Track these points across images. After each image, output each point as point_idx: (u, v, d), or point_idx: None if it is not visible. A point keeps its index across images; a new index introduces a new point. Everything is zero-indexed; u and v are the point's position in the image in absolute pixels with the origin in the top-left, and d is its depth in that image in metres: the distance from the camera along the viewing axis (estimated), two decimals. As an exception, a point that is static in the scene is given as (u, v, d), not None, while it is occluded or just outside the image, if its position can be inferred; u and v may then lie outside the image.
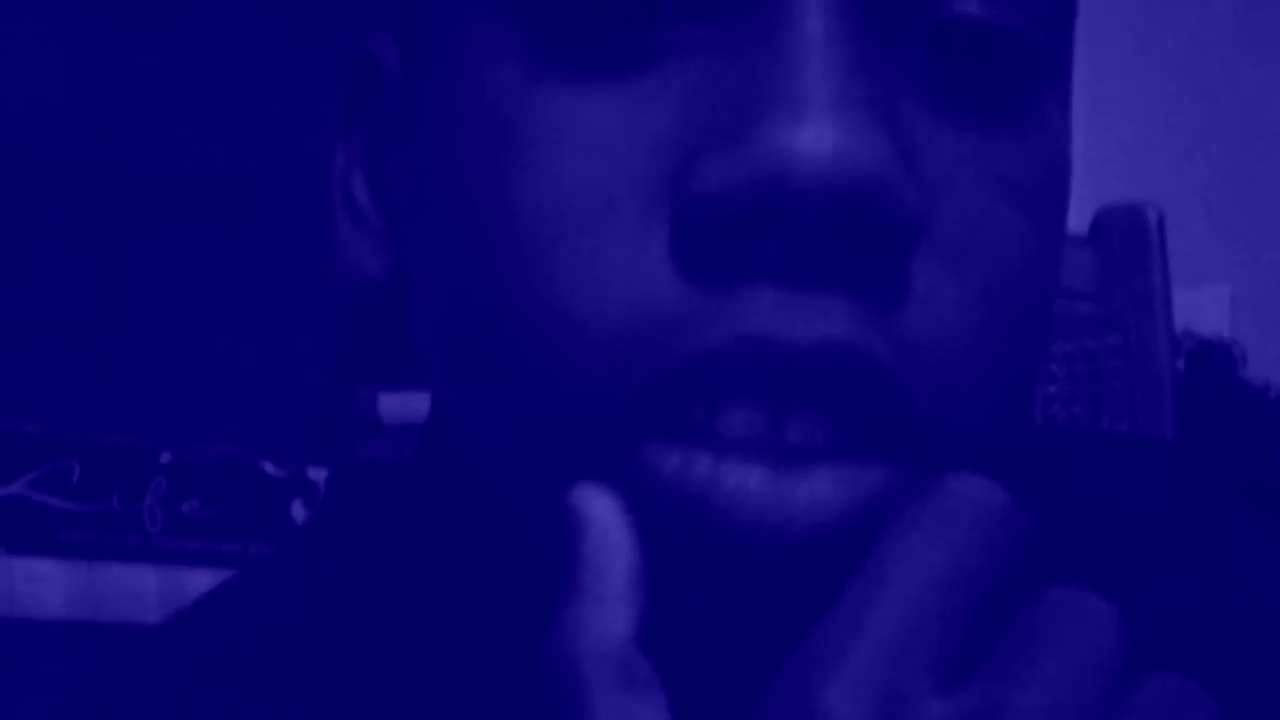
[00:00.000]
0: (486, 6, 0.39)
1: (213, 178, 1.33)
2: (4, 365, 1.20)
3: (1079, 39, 0.42)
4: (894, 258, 0.36)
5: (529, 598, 0.39)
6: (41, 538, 1.02)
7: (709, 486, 0.35)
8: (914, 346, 0.36)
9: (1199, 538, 0.52)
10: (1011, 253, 0.38)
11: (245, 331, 1.33)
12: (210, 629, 0.49)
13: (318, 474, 1.16)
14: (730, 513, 0.35)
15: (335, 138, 0.47)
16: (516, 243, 0.37)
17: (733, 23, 0.36)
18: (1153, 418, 1.11)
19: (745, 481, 0.35)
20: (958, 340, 0.37)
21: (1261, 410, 1.48)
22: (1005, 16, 0.37)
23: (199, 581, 1.05)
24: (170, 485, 1.08)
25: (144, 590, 1.04)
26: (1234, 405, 1.47)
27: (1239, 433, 1.44)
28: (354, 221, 0.46)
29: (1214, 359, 1.52)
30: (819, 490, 0.35)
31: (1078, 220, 0.91)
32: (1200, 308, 1.65)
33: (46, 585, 1.01)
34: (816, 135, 0.34)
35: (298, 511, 1.14)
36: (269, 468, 1.14)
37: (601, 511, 0.36)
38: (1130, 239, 1.15)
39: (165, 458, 1.09)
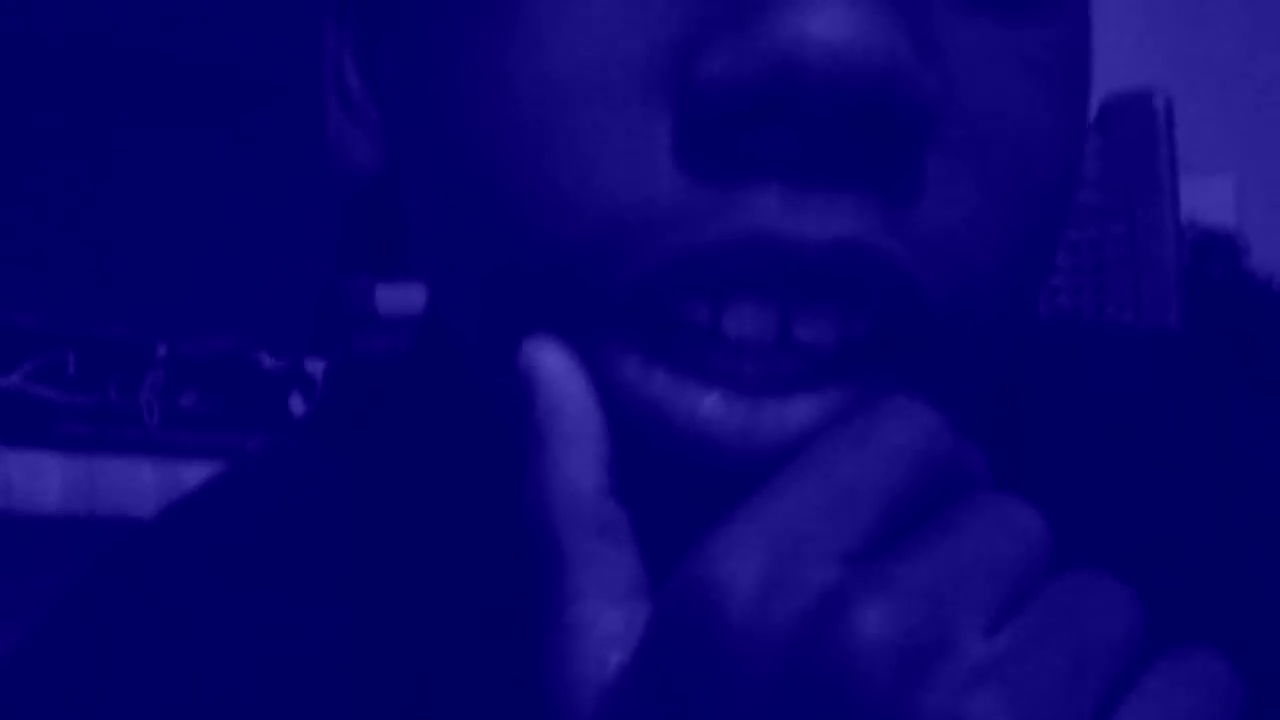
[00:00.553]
0: None
1: (206, 67, 1.32)
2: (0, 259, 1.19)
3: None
4: (909, 150, 0.35)
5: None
6: (38, 430, 1.02)
7: (665, 403, 0.35)
8: (929, 242, 0.35)
9: (1209, 427, 0.52)
10: (1033, 143, 0.37)
11: (241, 223, 1.32)
12: (203, 522, 0.49)
13: (315, 366, 1.16)
14: (687, 429, 0.35)
15: (326, 25, 0.46)
16: (510, 122, 0.36)
17: None
18: (1158, 308, 1.11)
19: (700, 405, 0.35)
20: (975, 234, 0.36)
21: (1266, 302, 1.48)
22: None
23: (196, 474, 1.05)
24: (168, 378, 1.08)
25: (141, 483, 1.04)
26: (1238, 297, 1.46)
27: (1243, 324, 1.43)
28: (347, 111, 0.45)
29: (1218, 250, 1.51)
30: (788, 417, 0.35)
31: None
32: (1206, 197, 1.64)
33: (43, 478, 1.00)
34: (829, 22, 0.33)
35: (295, 404, 1.14)
36: (266, 360, 1.14)
37: (553, 364, 0.36)
38: (1137, 126, 1.14)
39: (162, 350, 1.08)
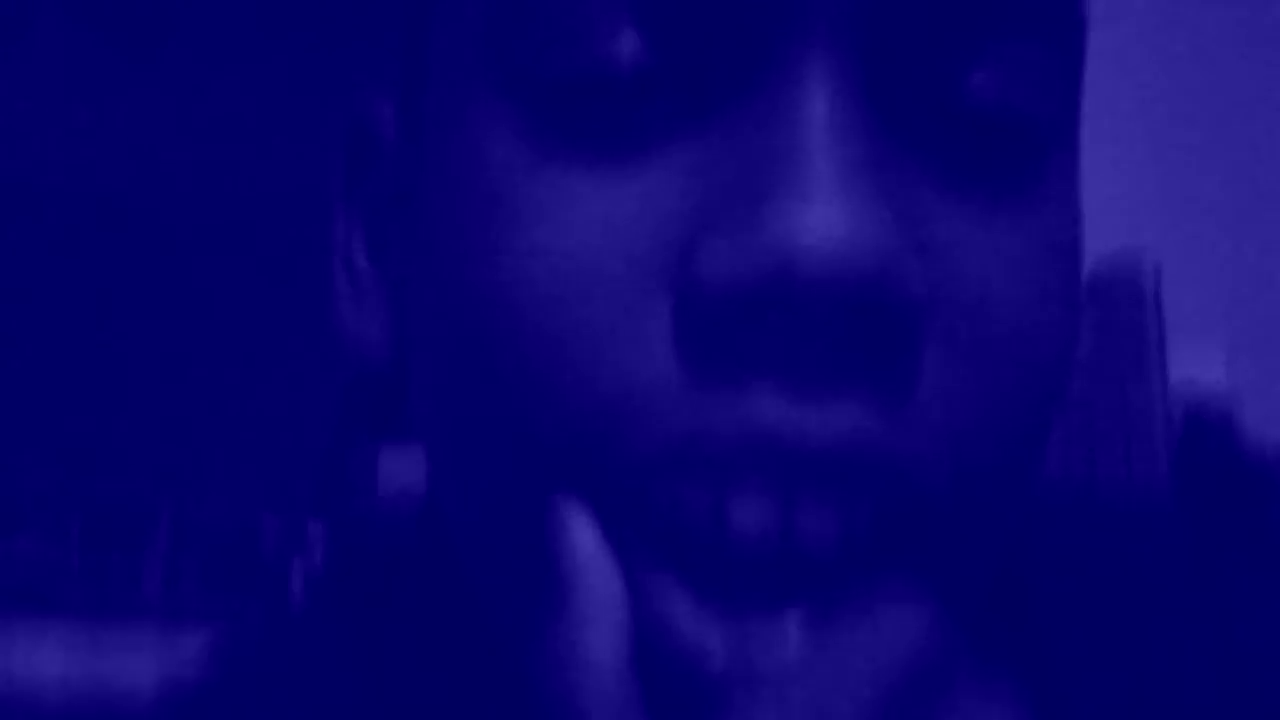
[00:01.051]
0: (487, 89, 0.39)
1: (218, 231, 1.33)
2: (8, 422, 1.19)
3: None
4: (904, 344, 0.36)
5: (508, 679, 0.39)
6: (39, 594, 1.02)
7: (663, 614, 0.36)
8: (928, 431, 0.36)
9: (1208, 604, 0.52)
10: (1023, 331, 0.38)
11: (247, 390, 1.33)
12: (206, 706, 0.49)
13: (316, 529, 1.16)
14: (681, 650, 0.36)
15: (334, 203, 0.46)
16: (511, 314, 0.37)
17: (738, 105, 0.36)
18: (1147, 469, 1.11)
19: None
20: (972, 419, 0.37)
21: (1258, 468, 1.48)
22: (1013, 94, 0.37)
23: (197, 639, 1.05)
24: (170, 543, 1.08)
25: (144, 647, 1.04)
26: (1231, 462, 1.46)
27: (1237, 489, 1.43)
28: (355, 288, 0.46)
29: (1210, 423, 1.51)
30: (780, 641, 0.36)
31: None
32: (1198, 357, 1.65)
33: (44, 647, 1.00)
34: (824, 223, 0.34)
35: (297, 568, 1.14)
36: (269, 522, 1.14)
37: (584, 534, 0.36)
38: (1126, 289, 1.15)
39: (166, 513, 1.09)
